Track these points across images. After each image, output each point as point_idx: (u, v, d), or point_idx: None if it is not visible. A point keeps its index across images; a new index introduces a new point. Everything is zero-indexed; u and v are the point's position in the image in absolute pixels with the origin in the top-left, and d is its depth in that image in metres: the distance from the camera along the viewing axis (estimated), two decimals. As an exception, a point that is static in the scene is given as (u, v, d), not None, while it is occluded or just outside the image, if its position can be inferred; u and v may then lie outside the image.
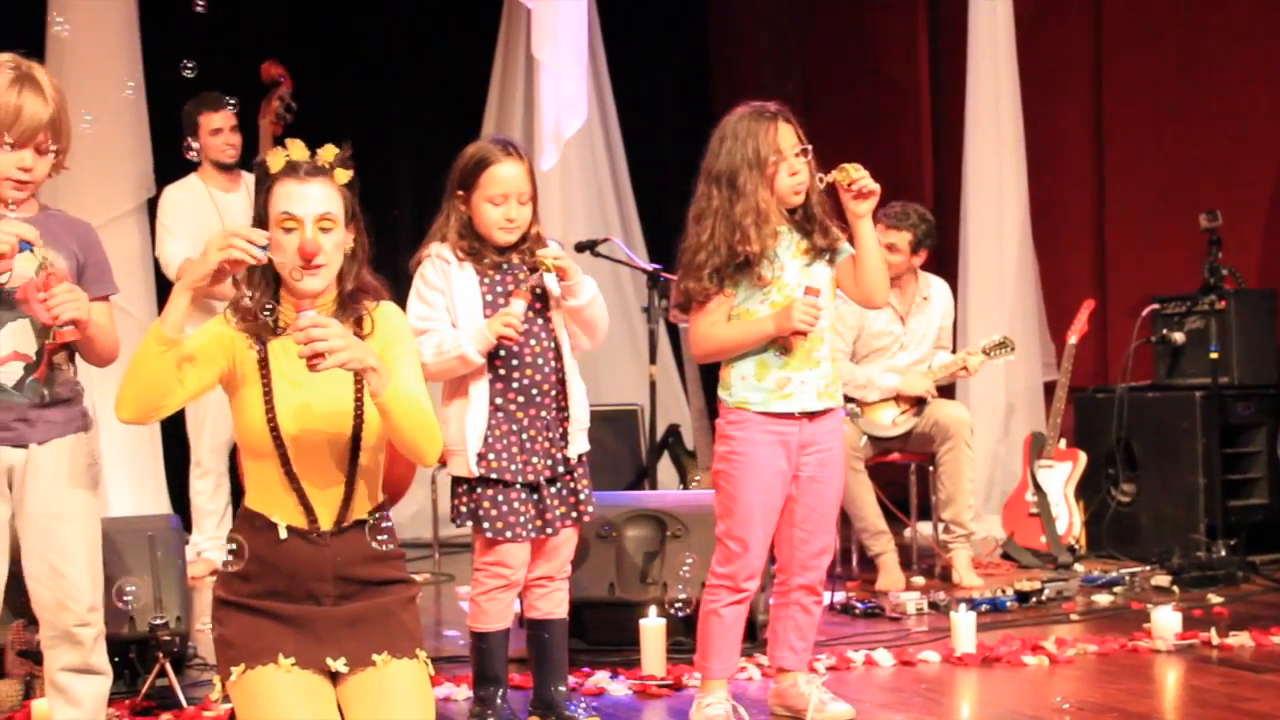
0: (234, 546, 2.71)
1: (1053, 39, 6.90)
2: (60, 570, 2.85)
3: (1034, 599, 4.85)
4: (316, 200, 2.67)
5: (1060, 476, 5.88)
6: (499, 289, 3.34)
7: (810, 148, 3.35)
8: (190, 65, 2.78)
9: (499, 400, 3.33)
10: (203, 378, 2.66)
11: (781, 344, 3.33)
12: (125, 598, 3.50)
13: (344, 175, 2.72)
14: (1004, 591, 4.85)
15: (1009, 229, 6.57)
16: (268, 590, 2.71)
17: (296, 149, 2.70)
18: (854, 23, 7.87)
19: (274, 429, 2.67)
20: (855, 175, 3.29)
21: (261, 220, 2.68)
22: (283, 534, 2.69)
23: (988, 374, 6.11)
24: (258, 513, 2.72)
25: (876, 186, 3.31)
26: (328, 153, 2.72)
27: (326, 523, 2.71)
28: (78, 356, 2.94)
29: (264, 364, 2.69)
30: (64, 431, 2.87)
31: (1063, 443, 5.93)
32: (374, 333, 2.75)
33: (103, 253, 2.96)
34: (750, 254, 3.28)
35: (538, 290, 3.36)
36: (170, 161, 5.99)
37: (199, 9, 2.73)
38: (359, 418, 2.71)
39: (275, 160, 2.69)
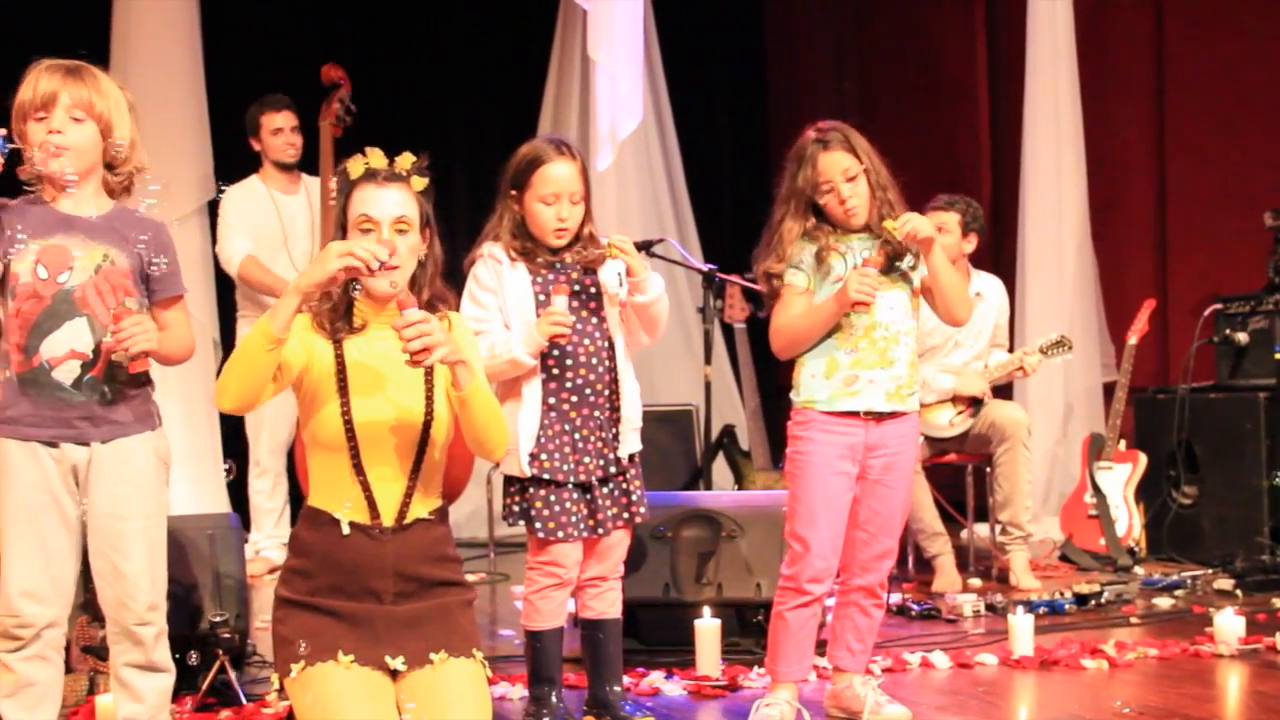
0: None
1: (1113, 36, 6.83)
2: (120, 569, 2.88)
3: (1093, 602, 4.80)
4: (393, 204, 2.79)
5: (1120, 478, 5.82)
6: (551, 289, 3.35)
7: (865, 165, 3.35)
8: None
9: (552, 400, 3.34)
10: (290, 374, 2.76)
11: (845, 331, 3.34)
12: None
13: (420, 182, 2.84)
14: (1062, 594, 4.80)
15: (1068, 228, 6.51)
16: (329, 587, 2.75)
17: (375, 157, 2.83)
18: (911, 22, 7.82)
19: (348, 424, 2.74)
20: (900, 233, 3.30)
21: (342, 225, 2.81)
22: (345, 529, 2.74)
23: (1046, 374, 6.06)
24: (321, 509, 2.77)
25: (927, 231, 3.32)
26: (405, 160, 2.84)
27: (389, 519, 2.77)
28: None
29: (340, 361, 2.77)
30: (128, 431, 2.90)
31: (1122, 444, 5.87)
32: (450, 333, 2.83)
33: (174, 252, 2.99)
34: (771, 274, 3.38)
35: (581, 287, 3.35)
36: (231, 163, 6.07)
37: None
38: (429, 414, 2.78)
39: (355, 167, 2.82)
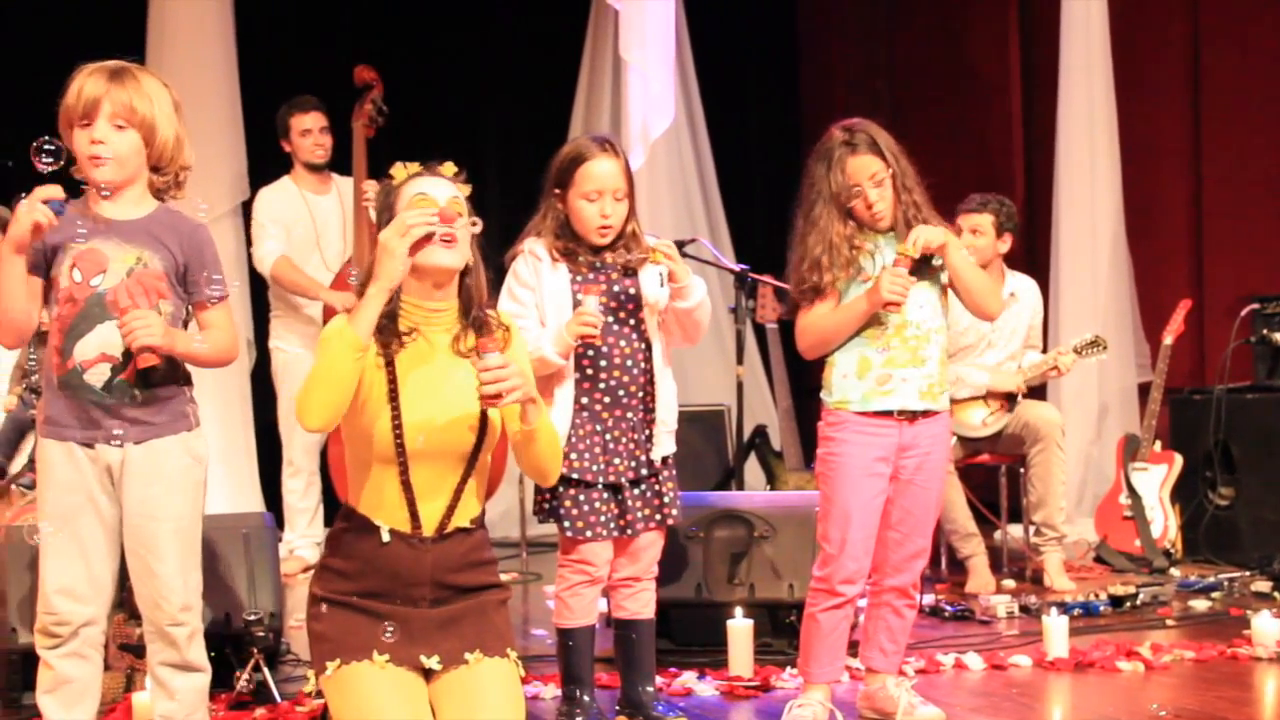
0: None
1: (1147, 33, 6.78)
2: (154, 570, 2.89)
3: (1128, 604, 4.76)
4: (446, 188, 2.80)
5: (1155, 479, 5.78)
6: (591, 285, 3.34)
7: (891, 168, 3.33)
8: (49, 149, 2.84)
9: (584, 400, 3.34)
10: (360, 375, 2.72)
11: (876, 330, 3.33)
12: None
13: (464, 188, 2.85)
14: (1097, 596, 4.78)
15: (1102, 227, 6.48)
16: (365, 590, 2.76)
17: (414, 167, 2.84)
18: (943, 20, 7.79)
19: (399, 440, 2.72)
20: (914, 252, 3.29)
21: (389, 215, 2.77)
22: (385, 537, 2.74)
23: (1080, 374, 6.03)
24: (362, 514, 2.77)
25: (936, 239, 3.30)
26: (448, 169, 2.85)
27: (430, 529, 2.76)
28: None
29: (392, 371, 2.74)
30: (161, 432, 2.91)
31: (1158, 445, 5.83)
32: (509, 349, 2.83)
33: (211, 254, 2.97)
34: (820, 284, 3.34)
35: (620, 290, 3.35)
36: (264, 164, 6.10)
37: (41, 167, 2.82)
38: (483, 429, 2.77)
39: (401, 171, 2.83)
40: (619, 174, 3.34)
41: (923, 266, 3.37)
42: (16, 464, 4.79)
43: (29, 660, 2.97)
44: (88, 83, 2.84)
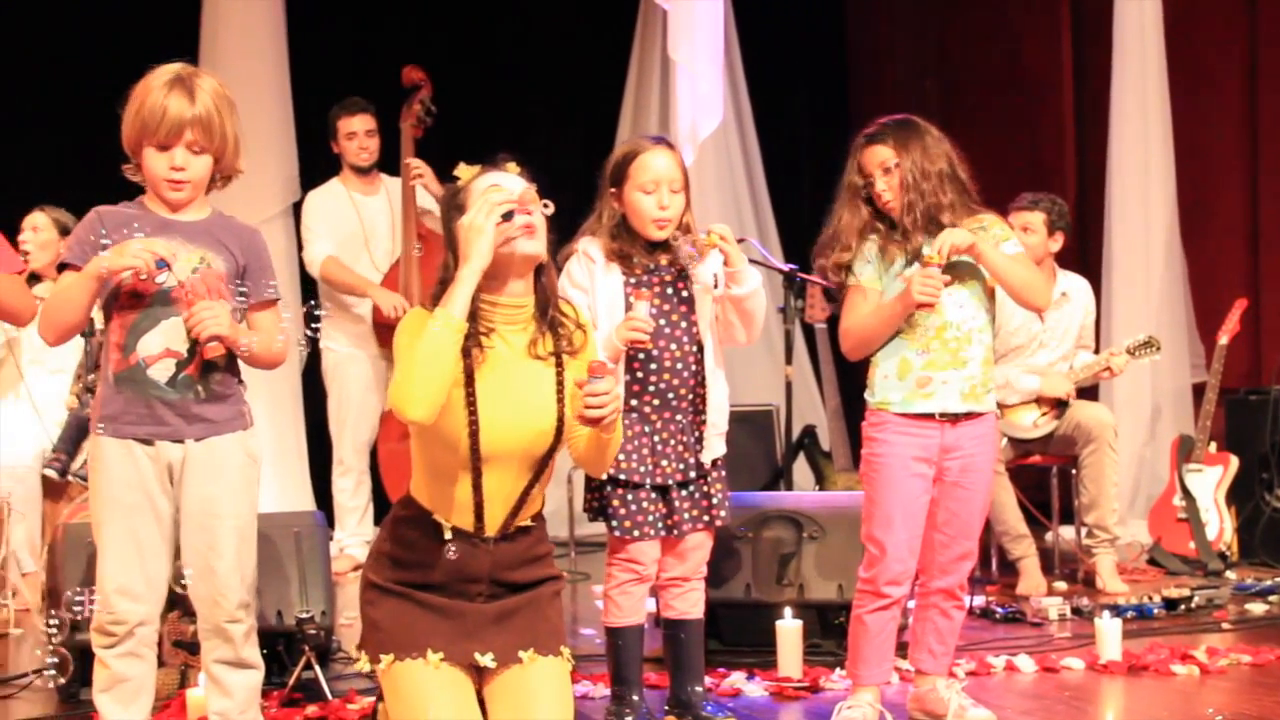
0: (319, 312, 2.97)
1: (1202, 29, 6.71)
2: (213, 567, 2.92)
3: (1183, 607, 4.71)
4: (517, 180, 2.82)
5: (1210, 481, 5.71)
6: (644, 289, 3.34)
7: (900, 163, 3.31)
8: None
9: (634, 402, 3.34)
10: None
11: (916, 332, 3.31)
12: (75, 607, 3.53)
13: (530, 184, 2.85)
14: (1151, 598, 4.72)
15: (1155, 226, 6.41)
16: (421, 582, 2.77)
17: (464, 170, 2.85)
18: (994, 18, 7.74)
19: (475, 444, 2.72)
20: (942, 257, 3.26)
21: (461, 209, 2.76)
22: (447, 534, 2.75)
23: (1133, 375, 5.97)
24: (425, 508, 2.78)
25: (962, 241, 3.26)
26: (511, 167, 2.87)
27: (492, 529, 2.77)
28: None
29: (469, 374, 2.72)
30: (221, 430, 2.94)
31: (1212, 446, 5.76)
32: (585, 348, 2.86)
33: (267, 258, 3.03)
34: (822, 267, 3.39)
35: (673, 290, 3.34)
36: (313, 165, 6.15)
37: None
38: (558, 433, 2.79)
39: (466, 170, 2.84)
40: (675, 166, 3.34)
41: (959, 267, 3.33)
42: (77, 462, 4.87)
43: (86, 656, 3.00)
44: (170, 103, 2.85)
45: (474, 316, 2.72)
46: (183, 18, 6.19)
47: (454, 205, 2.81)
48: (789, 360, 5.55)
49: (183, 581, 3.02)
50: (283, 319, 3.06)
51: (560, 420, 2.78)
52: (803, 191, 7.77)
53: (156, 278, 2.81)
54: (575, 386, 2.73)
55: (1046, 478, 5.63)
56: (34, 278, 5.10)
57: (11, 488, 4.89)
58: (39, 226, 5.22)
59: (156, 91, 2.86)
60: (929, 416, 3.34)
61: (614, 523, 3.34)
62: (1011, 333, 5.26)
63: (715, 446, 3.40)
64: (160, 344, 2.88)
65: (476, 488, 2.74)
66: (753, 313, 3.37)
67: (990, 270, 3.37)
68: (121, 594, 2.88)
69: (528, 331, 2.80)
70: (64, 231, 5.21)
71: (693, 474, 3.37)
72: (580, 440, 2.86)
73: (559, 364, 2.81)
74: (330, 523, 5.66)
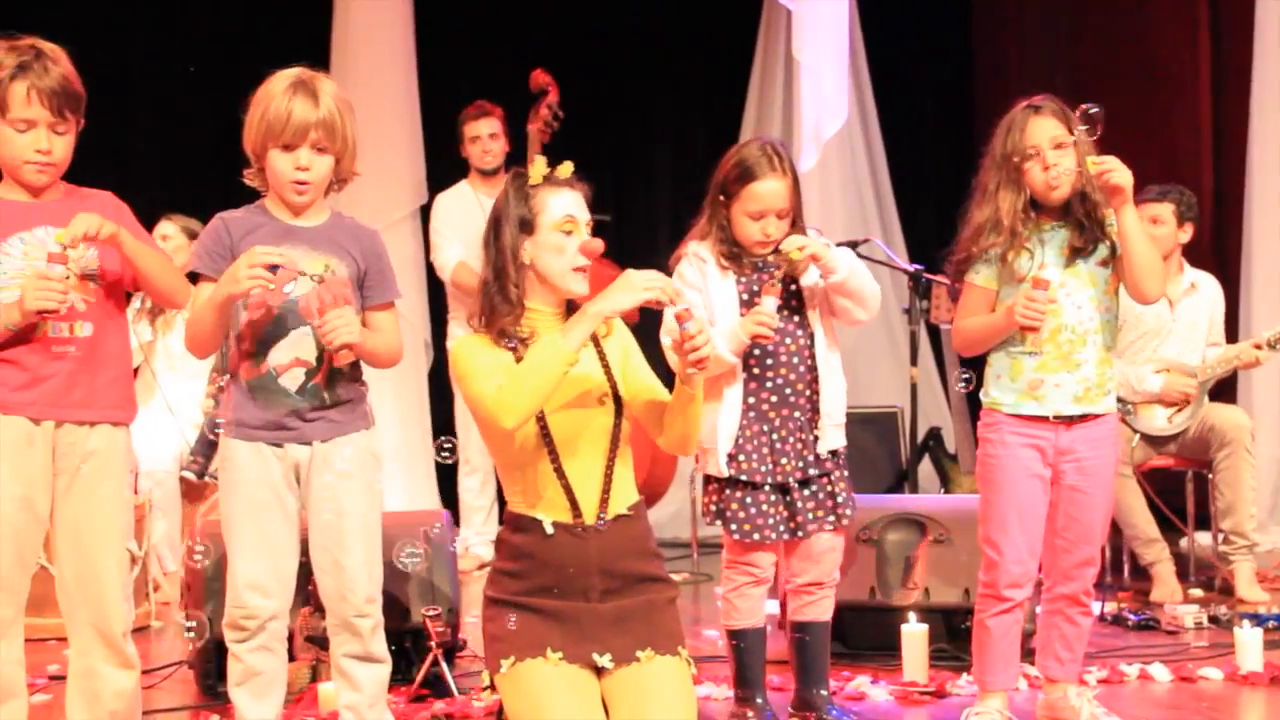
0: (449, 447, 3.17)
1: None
2: (340, 563, 2.99)
3: (1326, 616, 4.56)
4: (582, 208, 2.86)
5: (1355, 486, 5.52)
6: (755, 288, 3.33)
7: (1076, 137, 3.23)
8: None
9: (752, 400, 3.33)
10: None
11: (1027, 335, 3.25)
12: (403, 559, 3.61)
13: (582, 187, 2.90)
14: (1292, 608, 4.59)
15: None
16: (537, 588, 2.80)
17: (540, 165, 2.89)
18: (1128, 12, 7.56)
19: (544, 427, 2.79)
20: (1095, 169, 3.16)
21: (528, 223, 2.83)
22: (549, 529, 2.79)
23: (1271, 377, 5.79)
24: (523, 513, 2.82)
25: (1121, 179, 3.15)
26: (567, 168, 2.90)
27: (590, 517, 2.80)
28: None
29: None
30: (345, 430, 3.00)
31: (1357, 450, 5.57)
32: (611, 333, 2.91)
33: (387, 260, 3.08)
34: (978, 253, 3.26)
35: (789, 282, 3.32)
36: (442, 168, 6.24)
37: None
38: (616, 405, 2.84)
39: (536, 172, 2.87)
40: (784, 194, 3.31)
41: (1081, 254, 3.25)
42: (214, 463, 5.01)
43: (223, 650, 3.09)
44: (295, 106, 2.90)
45: (517, 322, 2.84)
46: (314, 23, 6.33)
47: (519, 199, 2.85)
48: (914, 361, 5.50)
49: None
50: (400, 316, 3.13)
51: (614, 390, 2.84)
52: (928, 191, 7.68)
53: (284, 286, 2.87)
54: (674, 321, 2.74)
55: (1181, 481, 5.49)
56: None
57: (153, 490, 5.05)
58: (169, 235, 5.35)
59: (280, 95, 2.91)
60: (1042, 419, 3.27)
61: (733, 526, 3.33)
62: (1138, 316, 5.12)
63: (832, 438, 3.36)
64: (289, 354, 2.95)
65: (560, 472, 2.79)
66: (858, 290, 3.32)
67: (1123, 232, 3.21)
68: (253, 589, 2.95)
69: (560, 324, 2.86)
70: (192, 237, 5.35)
71: (813, 471, 3.35)
72: (672, 406, 2.85)
73: (595, 343, 2.88)
74: (456, 521, 5.74)
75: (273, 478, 2.96)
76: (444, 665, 3.75)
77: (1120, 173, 3.16)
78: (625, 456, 2.87)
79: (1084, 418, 3.29)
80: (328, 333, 2.87)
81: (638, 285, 2.72)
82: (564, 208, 2.83)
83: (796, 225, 3.36)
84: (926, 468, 6.22)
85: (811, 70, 6.47)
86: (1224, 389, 5.38)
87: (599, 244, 2.81)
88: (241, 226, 2.96)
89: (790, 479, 3.33)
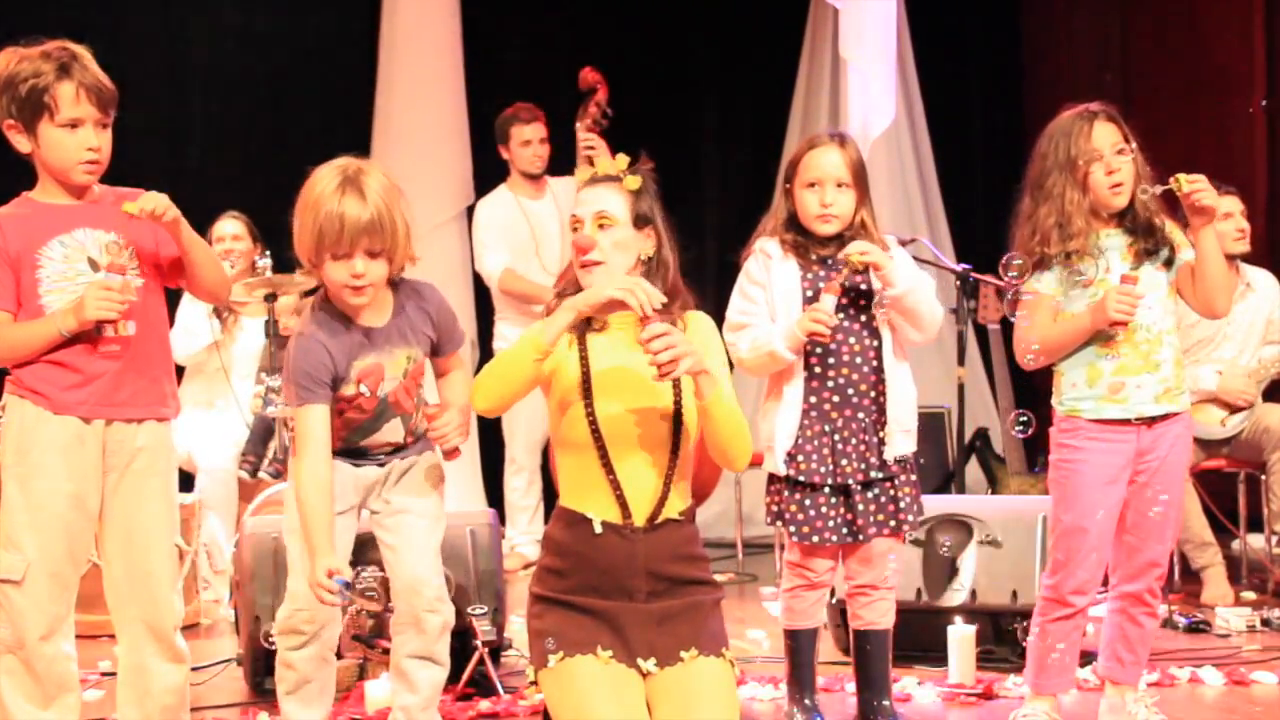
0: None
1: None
2: (413, 560, 3.04)
3: (1381, 621, 4.50)
4: (597, 201, 2.88)
5: None
6: (820, 284, 3.30)
7: (1133, 146, 3.22)
8: None
9: (813, 399, 3.31)
10: (540, 377, 2.83)
11: (1104, 338, 3.22)
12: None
13: (633, 182, 2.89)
14: (1346, 612, 4.52)
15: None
16: (582, 586, 2.80)
17: (586, 172, 2.95)
18: (1180, 9, 7.49)
19: (593, 423, 2.78)
20: (1188, 188, 3.14)
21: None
22: (597, 528, 2.79)
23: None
24: (573, 509, 2.82)
25: (1212, 201, 3.17)
26: (620, 162, 2.93)
27: (640, 519, 2.79)
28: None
29: (585, 363, 2.83)
30: (418, 451, 3.12)
31: None
32: (688, 333, 2.86)
33: (449, 310, 3.11)
34: (1048, 256, 3.23)
35: (850, 285, 3.31)
36: (486, 169, 6.26)
37: None
38: (678, 415, 2.81)
39: (582, 174, 2.95)
40: (841, 163, 3.30)
41: (1149, 255, 3.24)
42: (265, 461, 5.06)
43: (272, 650, 3.12)
44: (345, 209, 2.83)
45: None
46: (361, 25, 6.37)
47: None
48: (961, 361, 5.46)
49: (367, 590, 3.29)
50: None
51: (678, 402, 2.81)
52: (976, 191, 7.63)
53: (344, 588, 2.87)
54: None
55: (1233, 484, 5.43)
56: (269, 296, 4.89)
57: (212, 489, 5.10)
58: (239, 234, 5.36)
59: (329, 198, 2.84)
60: (1124, 422, 3.24)
61: (792, 528, 3.32)
62: (1191, 325, 5.07)
63: (899, 444, 3.32)
64: (383, 440, 3.07)
65: (609, 469, 2.78)
66: (914, 309, 3.30)
67: (1202, 254, 3.22)
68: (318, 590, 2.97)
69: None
70: (254, 236, 5.38)
71: (876, 474, 3.31)
72: (704, 433, 2.84)
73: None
74: (502, 521, 5.76)
75: (344, 491, 3.02)
76: (490, 664, 3.76)
77: (1210, 194, 3.16)
78: (686, 466, 2.87)
79: (1164, 416, 3.26)
80: (441, 441, 3.03)
81: (611, 284, 2.74)
82: (574, 207, 2.92)
83: (865, 206, 3.33)
84: (974, 468, 6.18)
85: (858, 70, 6.45)
86: (1278, 389, 5.31)
87: (585, 240, 2.85)
88: (333, 341, 2.93)
89: (851, 480, 3.29)
